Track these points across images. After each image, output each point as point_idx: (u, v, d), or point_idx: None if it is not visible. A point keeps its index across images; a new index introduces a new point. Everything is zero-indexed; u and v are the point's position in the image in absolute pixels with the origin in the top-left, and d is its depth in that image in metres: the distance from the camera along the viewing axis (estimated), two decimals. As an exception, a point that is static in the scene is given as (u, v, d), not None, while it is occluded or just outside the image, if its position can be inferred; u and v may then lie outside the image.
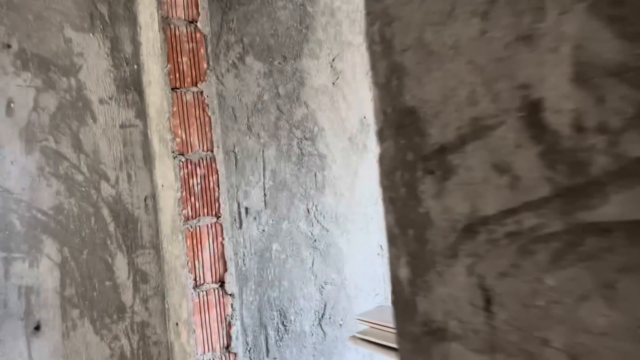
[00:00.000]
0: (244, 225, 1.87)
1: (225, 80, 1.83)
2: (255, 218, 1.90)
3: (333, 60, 2.10)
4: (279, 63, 1.97)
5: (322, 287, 2.03)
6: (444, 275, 0.72)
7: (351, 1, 2.14)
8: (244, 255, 1.86)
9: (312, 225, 2.02)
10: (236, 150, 1.85)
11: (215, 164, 1.66)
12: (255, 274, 1.89)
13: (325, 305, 2.03)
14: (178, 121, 1.60)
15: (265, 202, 1.92)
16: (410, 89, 0.74)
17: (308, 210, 2.01)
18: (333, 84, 2.09)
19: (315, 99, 2.04)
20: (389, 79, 0.78)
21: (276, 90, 1.96)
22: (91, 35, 1.59)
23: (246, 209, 1.88)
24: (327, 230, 2.05)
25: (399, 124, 0.77)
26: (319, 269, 2.02)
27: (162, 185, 1.62)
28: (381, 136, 0.83)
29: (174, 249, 1.61)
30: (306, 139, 2.02)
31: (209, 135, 1.65)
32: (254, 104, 1.91)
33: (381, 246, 2.21)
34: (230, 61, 1.85)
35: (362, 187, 2.15)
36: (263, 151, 1.92)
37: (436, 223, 0.72)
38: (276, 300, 1.92)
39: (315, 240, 2.02)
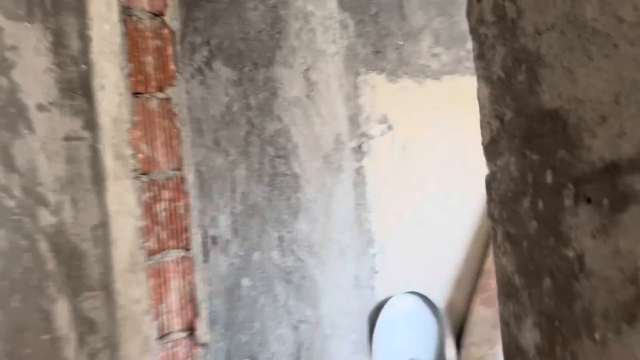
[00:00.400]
0: (211, 257, 1.59)
1: (190, 88, 1.56)
2: (223, 249, 1.62)
3: (307, 70, 1.88)
4: (250, 70, 1.73)
5: (297, 326, 1.78)
6: (610, 346, 0.51)
7: (325, 7, 1.95)
8: (210, 293, 1.57)
9: (285, 256, 1.77)
10: (202, 169, 1.58)
11: (185, 186, 1.38)
12: (224, 315, 1.60)
13: (299, 348, 1.78)
14: (141, 133, 1.31)
15: (234, 229, 1.65)
16: (552, 85, 0.54)
17: (281, 239, 1.76)
18: (307, 96, 1.87)
19: (288, 112, 1.81)
20: (511, 73, 0.58)
21: (246, 101, 1.71)
22: (28, 25, 1.27)
23: (213, 238, 1.60)
24: (302, 261, 1.81)
25: (530, 133, 0.56)
26: (293, 306, 1.77)
27: (117, 212, 1.32)
28: (493, 150, 0.62)
29: (133, 291, 1.30)
30: (279, 156, 1.78)
31: (177, 150, 1.37)
32: (222, 115, 1.65)
33: (357, 277, 1.99)
34: (195, 66, 1.59)
35: (337, 211, 1.93)
36: (233, 170, 1.66)
37: (597, 272, 0.52)
38: (246, 345, 1.65)
39: (289, 273, 1.77)
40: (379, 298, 2.23)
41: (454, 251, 2.64)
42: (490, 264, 2.72)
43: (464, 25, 2.79)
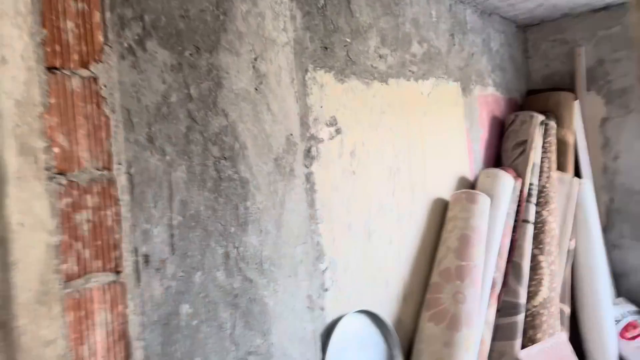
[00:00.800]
0: (143, 280, 1.29)
1: (119, 71, 1.26)
2: (158, 269, 1.32)
3: (255, 59, 1.63)
4: (191, 55, 1.45)
5: (244, 359, 1.50)
6: None
7: (275, -10, 1.72)
8: (142, 324, 1.27)
9: (233, 276, 1.50)
10: (132, 171, 1.28)
11: (115, 190, 1.08)
12: (159, 351, 1.30)
13: (247, 383, 1.50)
14: (57, 121, 0.99)
15: (172, 245, 1.36)
16: None
17: (227, 255, 1.49)
18: (256, 89, 1.62)
19: (235, 107, 1.55)
20: None
21: (187, 91, 1.43)
22: None
23: (145, 257, 1.30)
24: (251, 281, 1.54)
25: None
26: (240, 335, 1.50)
27: (22, 224, 0.99)
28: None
29: (43, 329, 0.98)
30: (225, 158, 1.51)
31: (105, 145, 1.07)
32: (158, 106, 1.36)
33: (311, 297, 1.75)
34: (125, 44, 1.29)
35: (289, 221, 1.69)
36: (170, 173, 1.37)
37: None
38: (186, 385, 1.35)
39: (236, 296, 1.50)
40: (329, 319, 2.00)
41: (401, 264, 2.48)
42: (436, 278, 2.59)
43: (408, 27, 2.67)
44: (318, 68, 2.06)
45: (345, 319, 2.05)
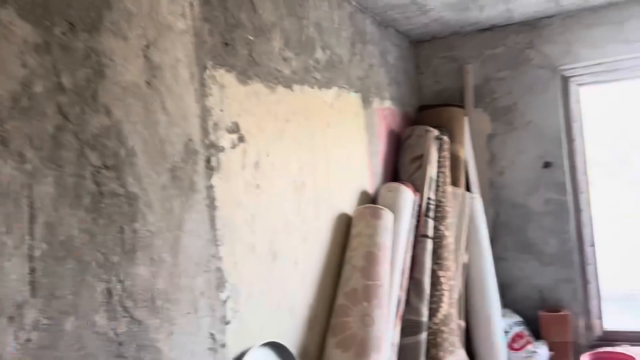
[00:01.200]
0: (-12, 335, 0.92)
1: (-45, 43, 0.90)
2: (12, 319, 0.97)
3: (147, 46, 1.33)
4: (64, 33, 1.12)
5: (132, 423, 1.18)
6: None
7: (171, -33, 1.43)
8: (-14, 399, 0.90)
9: (117, 319, 1.17)
10: (-26, 183, 0.92)
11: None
12: None
13: None
14: None
15: (32, 284, 1.01)
16: None
17: (110, 292, 1.16)
18: (148, 83, 1.32)
19: (121, 103, 1.23)
20: None
21: (57, 79, 1.09)
22: None
23: (-7, 301, 0.94)
24: (140, 323, 1.22)
25: None
26: (126, 393, 1.17)
27: None
28: None
29: None
30: (107, 167, 1.18)
31: None
32: (15, 97, 1.01)
33: (213, 336, 1.46)
34: (-34, 8, 0.93)
35: (189, 246, 1.40)
36: (32, 187, 1.02)
37: None
38: None
39: (120, 344, 1.17)
40: (231, 356, 1.72)
41: (307, 287, 2.26)
42: (342, 300, 2.41)
43: (311, 31, 2.49)
44: (218, 66, 1.79)
45: (249, 355, 1.77)
